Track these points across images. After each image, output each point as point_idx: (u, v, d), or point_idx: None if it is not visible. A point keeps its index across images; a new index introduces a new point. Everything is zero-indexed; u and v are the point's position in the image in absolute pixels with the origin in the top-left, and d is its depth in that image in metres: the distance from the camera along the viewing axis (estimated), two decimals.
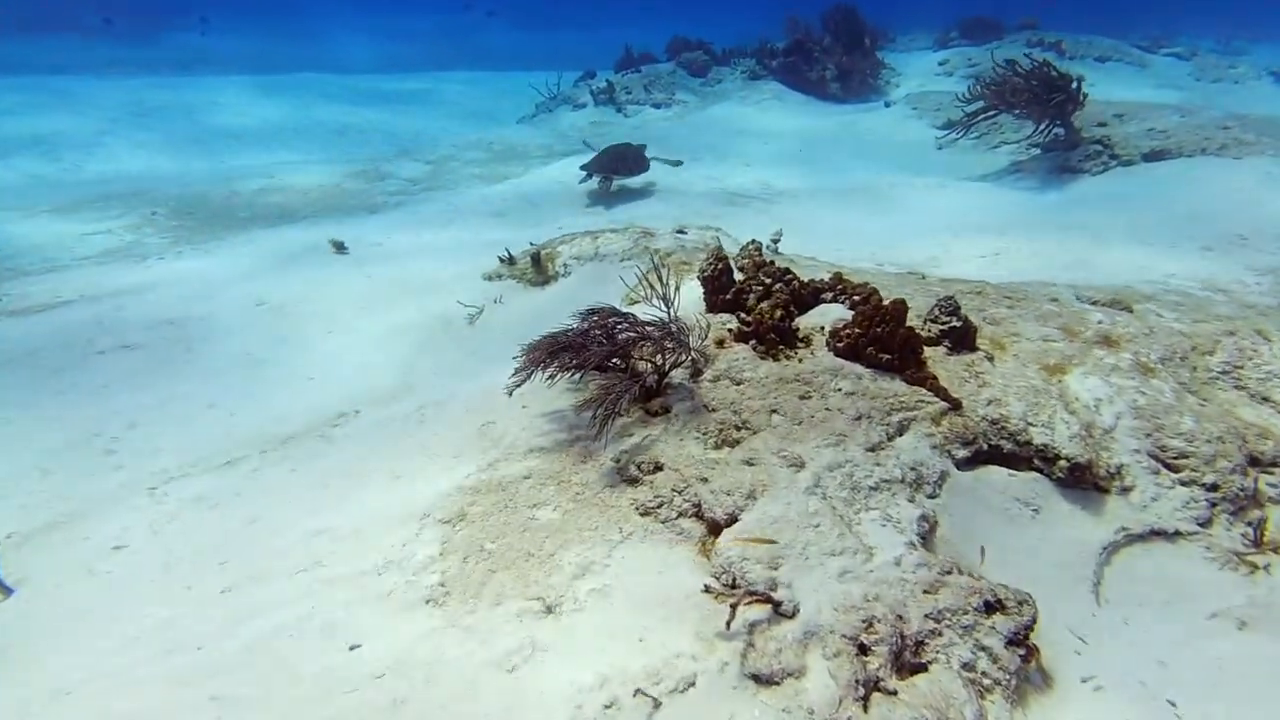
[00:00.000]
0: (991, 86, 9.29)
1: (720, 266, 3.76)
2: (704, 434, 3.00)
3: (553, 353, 3.07)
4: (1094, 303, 4.29)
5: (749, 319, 3.48)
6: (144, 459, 4.21)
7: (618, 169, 9.61)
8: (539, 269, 6.16)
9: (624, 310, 3.35)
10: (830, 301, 3.75)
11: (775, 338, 3.37)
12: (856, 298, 3.62)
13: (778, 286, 3.70)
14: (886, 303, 3.25)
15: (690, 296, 4.19)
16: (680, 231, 6.43)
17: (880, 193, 8.71)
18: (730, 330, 3.55)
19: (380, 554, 2.62)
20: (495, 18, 25.67)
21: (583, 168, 9.78)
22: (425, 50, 31.02)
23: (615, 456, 2.94)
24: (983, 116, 9.79)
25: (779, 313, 3.41)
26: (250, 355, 5.51)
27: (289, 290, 6.49)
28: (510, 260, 6.38)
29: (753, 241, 4.36)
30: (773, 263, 4.15)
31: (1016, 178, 9.32)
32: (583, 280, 5.83)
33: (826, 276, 4.29)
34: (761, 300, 3.68)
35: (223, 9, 33.48)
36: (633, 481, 2.83)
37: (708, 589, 2.23)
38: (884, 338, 3.19)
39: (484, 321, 5.74)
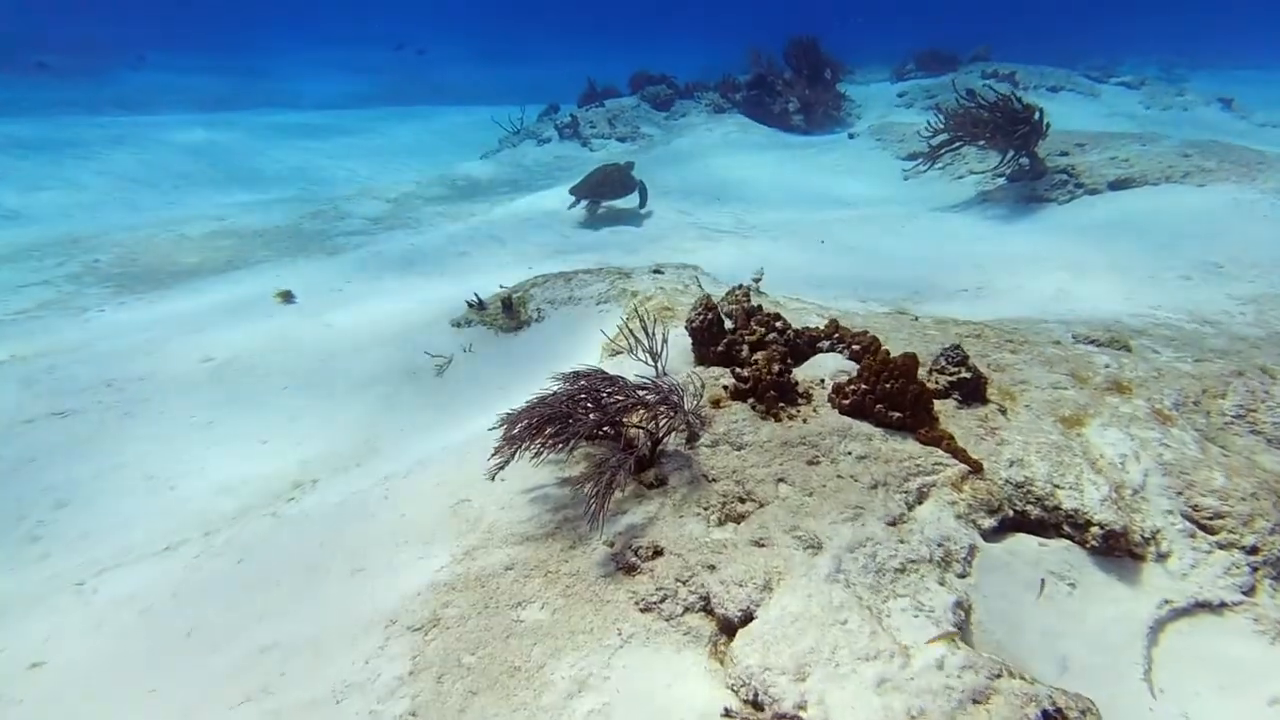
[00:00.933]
0: (956, 119, 9.34)
1: (710, 317, 3.50)
2: (706, 509, 2.71)
3: (536, 426, 2.75)
4: (1093, 342, 4.14)
5: (745, 374, 3.22)
6: (73, 546, 3.76)
7: (603, 193, 9.73)
8: (511, 314, 5.84)
9: (611, 373, 3.06)
10: (827, 350, 3.51)
11: (775, 394, 3.11)
12: (857, 347, 3.39)
13: (771, 336, 3.46)
14: (895, 356, 3.01)
15: (677, 346, 3.93)
16: (657, 271, 6.19)
17: (853, 224, 8.63)
18: (725, 387, 3.28)
19: (340, 673, 2.24)
20: (426, 55, 25.74)
21: (571, 191, 9.88)
22: (384, 84, 30.77)
23: (609, 540, 2.62)
24: (947, 148, 9.85)
25: (776, 366, 3.16)
26: (195, 419, 5.06)
27: (240, 343, 6.06)
28: (480, 305, 6.06)
29: (740, 287, 4.12)
30: (761, 308, 3.91)
31: (985, 207, 9.34)
32: (557, 326, 5.54)
33: (818, 321, 4.07)
34: (755, 350, 3.42)
35: (171, 46, 32.90)
36: (630, 570, 2.51)
37: (728, 713, 1.92)
38: (894, 394, 2.95)
39: (454, 372, 5.38)
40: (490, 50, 43.29)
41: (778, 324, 3.51)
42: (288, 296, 6.93)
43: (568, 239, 8.90)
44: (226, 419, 5.04)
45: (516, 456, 2.76)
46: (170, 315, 6.79)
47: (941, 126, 9.69)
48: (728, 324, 3.71)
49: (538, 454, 2.79)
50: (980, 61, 17.57)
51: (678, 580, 2.42)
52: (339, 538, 3.14)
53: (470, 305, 6.12)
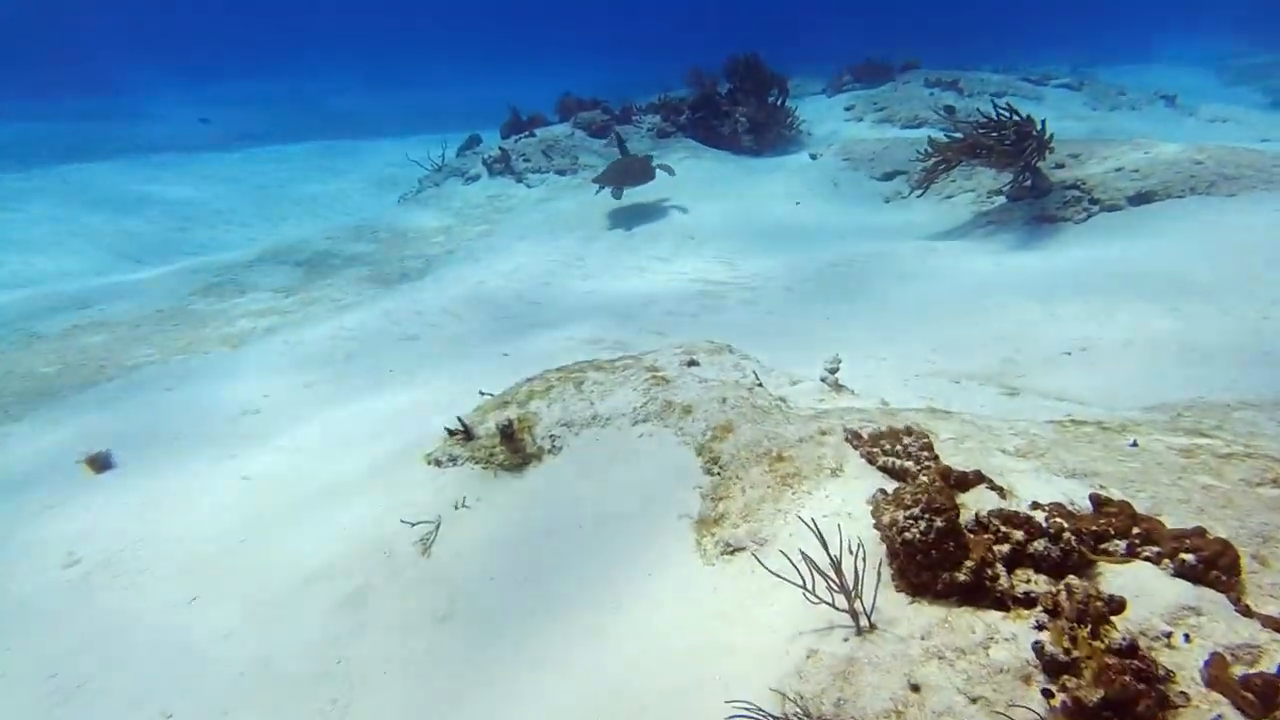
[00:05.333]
0: (956, 146, 8.44)
1: (940, 526, 2.12)
2: None
3: None
4: None
5: (1061, 651, 1.84)
6: None
7: (625, 180, 10.23)
8: (513, 446, 4.28)
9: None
10: (1125, 556, 2.20)
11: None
12: (1189, 557, 2.09)
13: (1039, 546, 2.11)
14: None
15: (836, 511, 2.53)
16: (692, 363, 4.78)
17: (869, 264, 7.51)
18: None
19: None
20: (209, 124, 24.03)
21: (594, 180, 10.61)
22: (272, 119, 28.03)
23: None
24: (942, 173, 8.97)
25: (1114, 637, 1.81)
26: (57, 672, 3.27)
27: (121, 523, 4.23)
28: (466, 434, 4.46)
29: (907, 437, 2.76)
30: (976, 475, 2.57)
31: (993, 231, 8.48)
32: (583, 462, 4.01)
33: (941, 429, 2.78)
34: (1014, 569, 2.08)
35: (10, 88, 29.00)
36: None
37: None
38: None
39: (446, 548, 3.77)
40: (377, 75, 40.84)
41: (1036, 521, 2.17)
42: (100, 463, 4.81)
43: (537, 308, 7.34)
44: (106, 663, 3.27)
45: None
46: (16, 478, 4.82)
47: (933, 152, 8.78)
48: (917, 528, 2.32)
49: None
50: (914, 70, 17.19)
51: None
52: None
53: (452, 434, 4.50)
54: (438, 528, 3.92)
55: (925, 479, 2.41)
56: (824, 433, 3.22)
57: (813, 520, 2.58)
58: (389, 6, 61.88)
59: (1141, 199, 7.83)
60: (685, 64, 19.13)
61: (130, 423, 5.53)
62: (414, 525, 3.91)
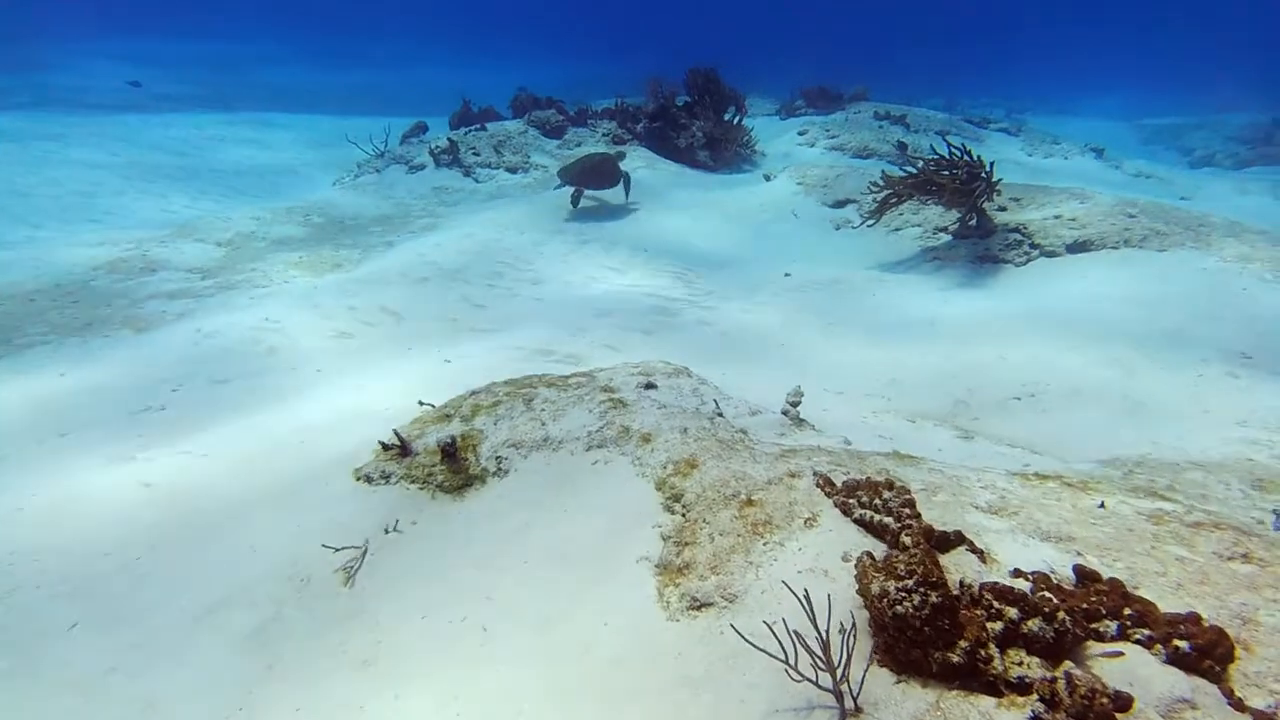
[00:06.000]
0: (910, 181, 8.58)
1: (936, 601, 1.97)
2: None
3: None
4: None
5: None
6: None
7: (587, 181, 10.05)
8: (454, 466, 3.95)
9: None
10: (1118, 639, 2.10)
11: None
12: (1182, 644, 2.01)
13: (1033, 626, 1.99)
14: None
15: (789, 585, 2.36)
16: (649, 386, 4.56)
17: (823, 293, 7.50)
18: None
19: None
20: (140, 86, 22.75)
21: (558, 174, 10.39)
22: (199, 83, 26.29)
23: None
24: (893, 206, 9.11)
25: None
26: None
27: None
28: (402, 449, 4.10)
29: (888, 491, 2.61)
30: (957, 535, 2.45)
31: (939, 268, 8.64)
32: (531, 489, 3.73)
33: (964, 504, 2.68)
34: (1007, 649, 1.95)
35: None
36: None
37: None
38: None
39: (372, 578, 3.41)
40: (315, 49, 39.02)
41: (1031, 600, 2.05)
42: None
43: (482, 312, 6.97)
44: None
45: None
46: None
47: (883, 186, 8.91)
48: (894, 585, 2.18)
49: None
50: (863, 100, 17.62)
51: None
52: None
53: (386, 448, 4.13)
54: (364, 554, 3.56)
55: (910, 541, 2.26)
56: (793, 475, 3.06)
57: (785, 581, 2.40)
58: None
59: (1079, 247, 8.14)
60: (639, 71, 19.04)
61: (13, 413, 4.88)
62: (337, 550, 3.53)
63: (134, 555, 3.63)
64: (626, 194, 10.49)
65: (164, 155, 14.91)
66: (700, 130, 12.88)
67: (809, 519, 2.69)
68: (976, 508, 2.84)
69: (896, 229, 9.98)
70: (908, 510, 2.43)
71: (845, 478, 3.08)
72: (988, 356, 5.64)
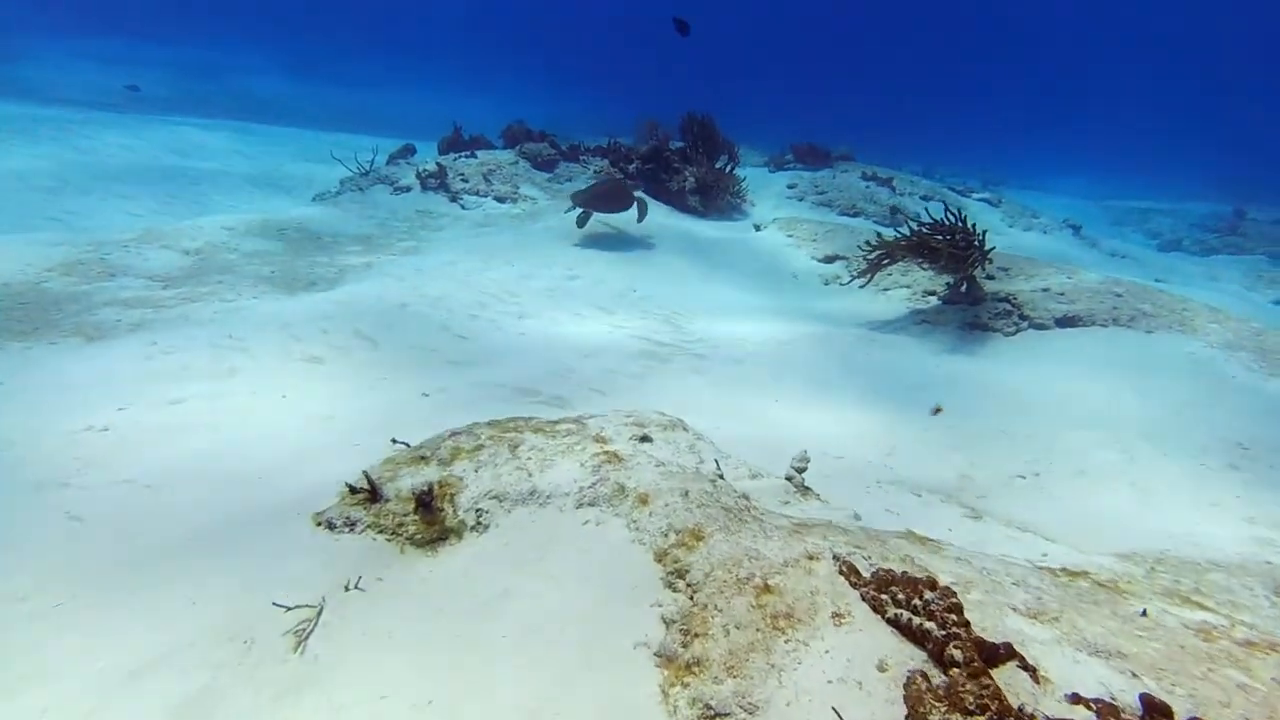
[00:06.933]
0: (905, 244, 8.57)
1: None
2: None
3: None
4: None
5: None
6: None
7: (603, 204, 10.11)
8: (429, 517, 3.58)
9: None
10: None
11: None
12: None
13: None
14: None
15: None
16: (644, 439, 4.26)
17: (816, 349, 7.33)
18: None
19: None
20: (139, 91, 22.40)
21: (571, 197, 10.45)
22: (174, 86, 25.76)
23: None
24: (884, 268, 9.09)
25: None
26: None
27: None
28: (371, 493, 3.71)
29: (929, 590, 2.34)
30: (984, 646, 2.17)
31: (927, 331, 8.58)
32: (514, 549, 3.37)
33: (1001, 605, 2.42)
34: None
35: None
36: None
37: None
38: None
39: (327, 643, 2.99)
40: (302, 62, 38.70)
41: None
42: None
43: (463, 344, 6.62)
44: None
45: None
46: None
47: (877, 246, 8.90)
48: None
49: None
50: (849, 160, 17.93)
51: None
52: None
53: (354, 491, 3.74)
54: (319, 614, 3.14)
55: (961, 656, 1.98)
56: (812, 557, 2.78)
57: (813, 694, 2.10)
58: None
59: (1068, 322, 8.16)
60: (629, 114, 19.17)
61: None
62: (288, 610, 3.12)
63: (52, 601, 3.16)
64: (641, 218, 10.57)
65: (135, 156, 14.39)
66: (693, 175, 12.86)
67: (836, 614, 2.40)
68: (1014, 610, 2.58)
69: (885, 289, 9.97)
70: (954, 617, 2.15)
71: (867, 563, 2.81)
72: (987, 429, 5.47)
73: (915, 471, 4.80)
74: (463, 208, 11.91)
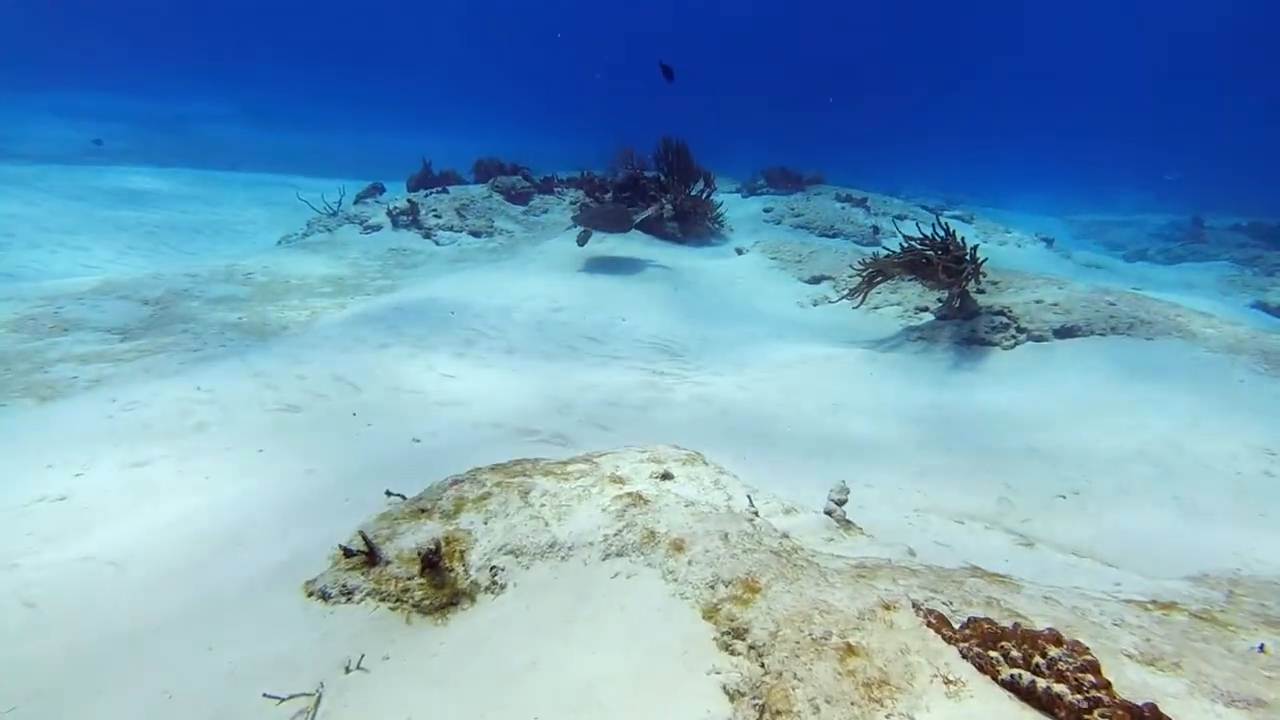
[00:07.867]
0: (898, 261, 8.44)
1: None
2: None
3: None
4: None
5: None
6: None
7: (603, 224, 10.76)
8: (437, 579, 3.16)
9: None
10: None
11: None
12: None
13: None
14: None
15: None
16: (665, 476, 3.90)
17: (823, 372, 7.07)
18: None
19: None
20: (102, 145, 22.00)
21: (573, 219, 11.33)
22: (132, 138, 25.14)
23: None
24: (880, 282, 8.94)
25: None
26: None
27: None
28: (369, 556, 3.28)
29: (1054, 647, 2.01)
30: (1132, 711, 1.85)
31: (922, 346, 8.40)
32: (537, 612, 2.97)
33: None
34: None
35: None
36: None
37: None
38: None
39: None
40: (261, 107, 38.27)
41: None
42: None
43: (450, 380, 6.22)
44: None
45: None
46: None
47: (869, 264, 8.76)
48: None
49: None
50: (820, 183, 18.03)
51: None
52: None
53: (348, 554, 3.31)
54: (318, 703, 2.70)
55: None
56: (888, 607, 2.44)
57: None
58: (279, 36, 59.49)
59: (1067, 332, 8.03)
60: (597, 149, 19.07)
61: None
62: (281, 701, 2.67)
63: (5, 707, 2.67)
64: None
65: (89, 206, 13.80)
66: (670, 202, 12.70)
67: (939, 678, 2.05)
68: (1128, 656, 2.27)
69: (876, 308, 9.83)
70: (1091, 678, 1.83)
71: (948, 609, 2.48)
72: (1013, 446, 5.23)
73: (948, 497, 4.51)
74: (437, 244, 11.55)
